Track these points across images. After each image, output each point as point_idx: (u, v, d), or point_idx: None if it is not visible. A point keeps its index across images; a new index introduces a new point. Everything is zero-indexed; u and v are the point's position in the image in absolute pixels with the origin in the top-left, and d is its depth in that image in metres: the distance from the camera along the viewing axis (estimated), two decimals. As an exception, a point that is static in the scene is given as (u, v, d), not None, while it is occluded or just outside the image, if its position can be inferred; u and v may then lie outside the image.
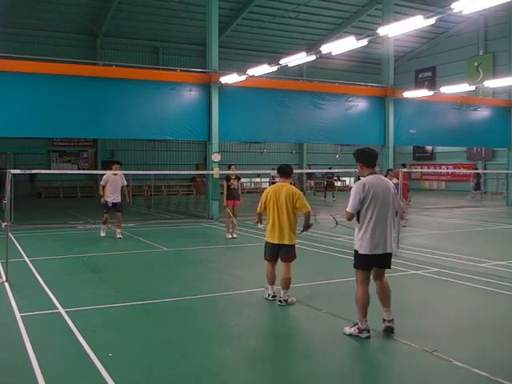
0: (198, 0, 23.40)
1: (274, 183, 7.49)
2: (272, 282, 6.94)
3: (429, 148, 35.05)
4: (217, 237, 13.47)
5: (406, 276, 8.48)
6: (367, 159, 5.45)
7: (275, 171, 7.38)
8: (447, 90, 21.81)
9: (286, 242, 6.66)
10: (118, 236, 12.84)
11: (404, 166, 17.72)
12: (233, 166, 13.14)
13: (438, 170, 34.01)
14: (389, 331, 5.42)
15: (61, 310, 6.42)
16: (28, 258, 10.00)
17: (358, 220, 5.38)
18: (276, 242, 6.71)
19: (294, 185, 27.76)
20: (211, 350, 5.19)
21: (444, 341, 5.37)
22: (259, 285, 7.60)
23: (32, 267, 9.11)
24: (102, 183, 12.92)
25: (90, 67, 17.89)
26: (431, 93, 21.95)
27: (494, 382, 4.34)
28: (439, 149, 34.44)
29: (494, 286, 7.75)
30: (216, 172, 17.54)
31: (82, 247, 11.43)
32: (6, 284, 7.73)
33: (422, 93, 21.75)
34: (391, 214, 5.41)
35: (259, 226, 7.43)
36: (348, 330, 5.47)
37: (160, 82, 17.12)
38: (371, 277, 5.51)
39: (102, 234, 13.04)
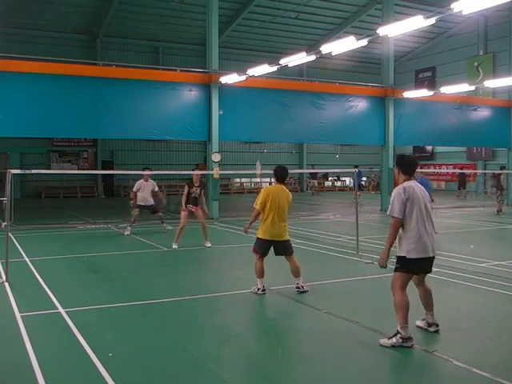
0: (198, 0, 23.40)
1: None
2: (262, 275, 7.22)
3: (429, 148, 35.03)
4: (217, 237, 13.46)
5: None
6: (405, 167, 5.45)
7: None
8: (447, 90, 21.81)
9: (286, 237, 7.23)
10: (168, 228, 13.92)
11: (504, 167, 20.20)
12: (199, 168, 12.32)
13: (438, 170, 34.01)
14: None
15: (61, 310, 6.42)
16: (28, 257, 10.00)
17: (403, 226, 5.26)
18: (276, 238, 7.11)
19: (294, 184, 27.88)
20: (211, 349, 5.18)
21: (444, 341, 5.37)
22: (259, 285, 7.60)
23: (32, 267, 9.11)
24: (134, 189, 13.65)
25: (90, 67, 17.87)
26: (431, 93, 21.94)
27: (494, 382, 4.34)
28: (439, 149, 34.43)
29: (494, 285, 7.75)
30: (216, 172, 17.54)
31: (82, 247, 11.43)
32: (6, 284, 7.73)
33: (422, 93, 21.74)
34: (430, 216, 5.42)
35: (247, 233, 7.76)
36: (388, 341, 5.13)
37: (160, 82, 17.12)
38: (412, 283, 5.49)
39: (127, 232, 13.49)
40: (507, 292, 7.42)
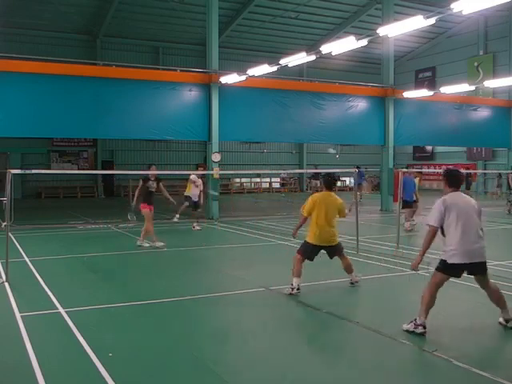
0: (198, 0, 23.40)
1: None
2: (299, 275, 7.29)
3: (429, 148, 35.04)
4: (217, 237, 13.48)
5: (406, 276, 8.48)
6: (451, 181, 5.76)
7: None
8: (447, 90, 21.82)
9: (337, 241, 7.54)
10: (197, 228, 14.57)
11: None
12: (153, 167, 12.18)
13: (438, 170, 33.99)
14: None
15: (61, 310, 6.42)
16: (28, 257, 10.00)
17: (444, 234, 5.59)
18: (325, 244, 7.36)
19: (294, 184, 27.73)
20: (211, 349, 5.19)
21: (444, 341, 5.37)
22: (259, 285, 7.60)
23: (32, 267, 9.11)
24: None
25: (90, 67, 17.88)
26: (431, 93, 21.95)
27: (494, 382, 4.34)
28: (439, 149, 34.43)
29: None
30: (216, 172, 17.53)
31: (82, 247, 11.43)
32: (6, 284, 7.73)
33: (422, 93, 21.75)
34: (478, 225, 5.58)
35: (295, 237, 7.83)
36: (405, 326, 5.61)
37: (160, 82, 17.13)
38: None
39: (198, 227, 14.51)
40: (507, 292, 7.39)
